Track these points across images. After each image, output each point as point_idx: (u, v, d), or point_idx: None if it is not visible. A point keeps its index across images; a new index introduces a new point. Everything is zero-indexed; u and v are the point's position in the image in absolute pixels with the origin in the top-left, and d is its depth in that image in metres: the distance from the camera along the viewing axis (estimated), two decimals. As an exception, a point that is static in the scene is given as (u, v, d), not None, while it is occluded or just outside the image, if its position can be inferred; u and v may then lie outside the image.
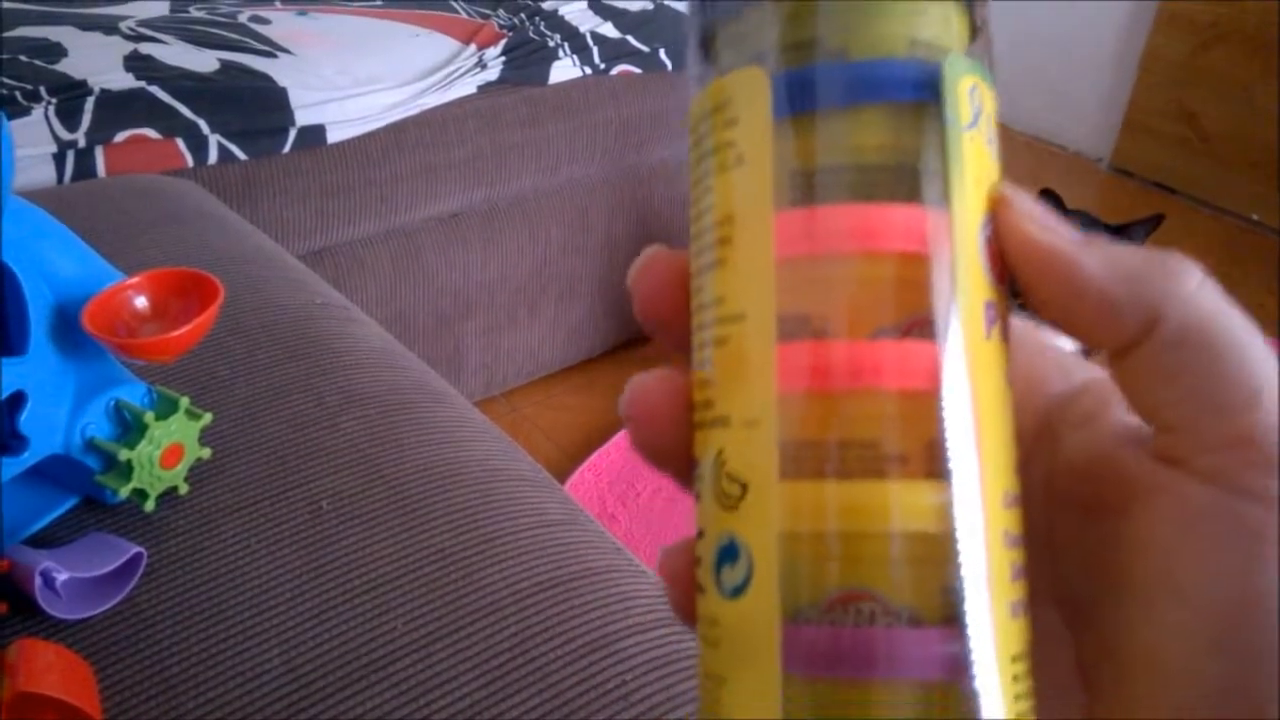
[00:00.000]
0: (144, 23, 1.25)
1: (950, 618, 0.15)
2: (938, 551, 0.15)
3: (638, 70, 1.42)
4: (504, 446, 0.58)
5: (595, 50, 1.38)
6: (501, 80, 1.30)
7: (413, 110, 1.22)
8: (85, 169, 1.01)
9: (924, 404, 0.15)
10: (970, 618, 0.15)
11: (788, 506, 0.15)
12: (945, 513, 0.15)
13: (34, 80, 1.03)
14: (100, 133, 1.02)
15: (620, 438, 1.41)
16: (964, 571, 0.15)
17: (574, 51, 1.37)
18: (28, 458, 0.43)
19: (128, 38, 1.18)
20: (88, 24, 1.21)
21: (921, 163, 0.15)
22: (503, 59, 1.31)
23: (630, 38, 1.42)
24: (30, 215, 0.46)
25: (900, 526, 0.15)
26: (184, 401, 0.48)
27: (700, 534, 0.17)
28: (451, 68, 1.28)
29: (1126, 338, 0.16)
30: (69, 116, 1.02)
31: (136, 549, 0.45)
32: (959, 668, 0.15)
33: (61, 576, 0.43)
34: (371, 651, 0.43)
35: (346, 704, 0.41)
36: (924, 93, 0.16)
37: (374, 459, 0.53)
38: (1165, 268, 0.16)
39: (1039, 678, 0.17)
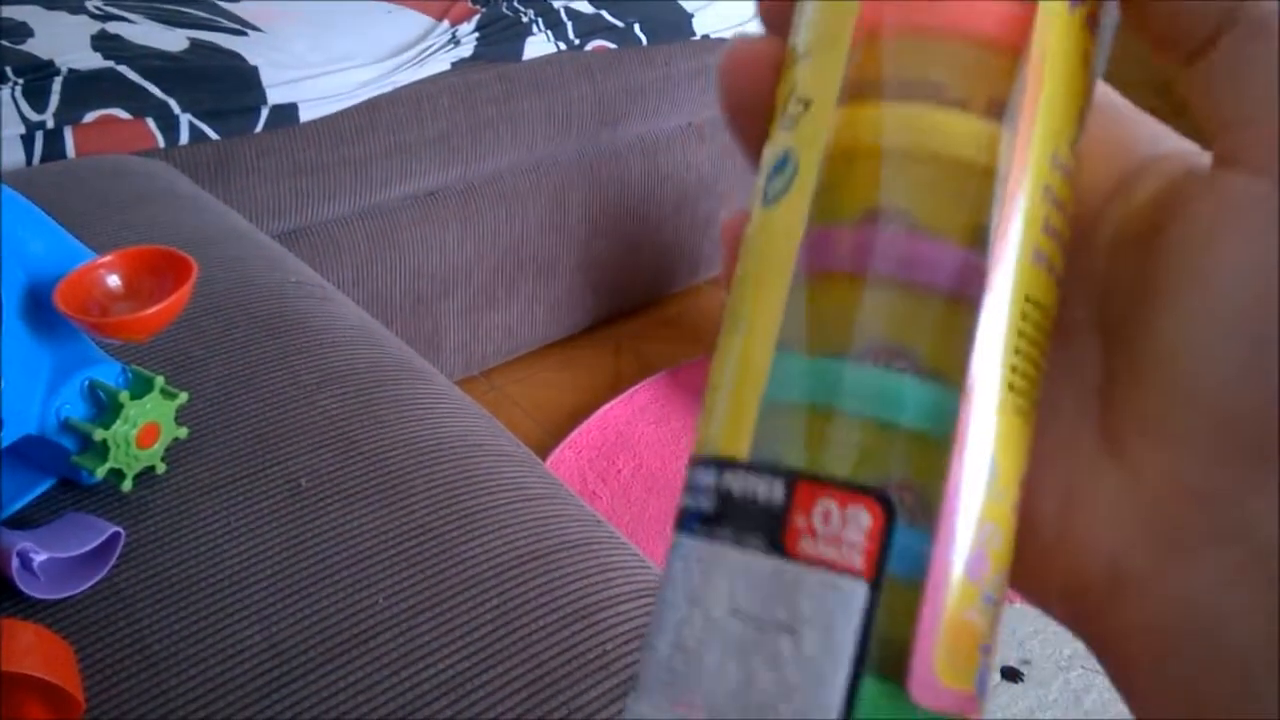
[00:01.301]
0: (111, 1, 1.23)
1: (973, 240, 0.15)
2: (973, 180, 0.15)
3: (613, 45, 1.41)
4: (484, 423, 0.58)
5: (569, 25, 1.37)
6: (475, 57, 1.29)
7: (386, 88, 1.21)
8: (54, 150, 0.99)
9: (993, 52, 0.15)
10: (991, 241, 0.15)
11: (842, 120, 0.16)
12: (988, 145, 0.15)
13: (-1, 60, 1.02)
14: (69, 113, 1.01)
15: (601, 415, 1.42)
16: (994, 202, 0.15)
17: (548, 27, 1.36)
18: (2, 439, 0.43)
19: (95, 17, 1.16)
20: (54, 3, 1.20)
21: None
22: (476, 35, 1.30)
23: (604, 12, 1.42)
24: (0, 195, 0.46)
25: (939, 149, 0.15)
26: (159, 381, 0.47)
27: (761, 171, 0.18)
28: (424, 44, 1.26)
29: (1202, 33, 0.15)
30: (36, 97, 1.00)
31: (114, 529, 0.44)
32: (969, 282, 0.15)
33: (39, 557, 0.43)
34: (353, 626, 0.43)
35: (329, 678, 0.41)
36: None
37: (352, 436, 0.53)
38: None
39: (1063, 395, 0.17)
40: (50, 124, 0.99)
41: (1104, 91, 0.19)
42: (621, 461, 1.35)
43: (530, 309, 1.48)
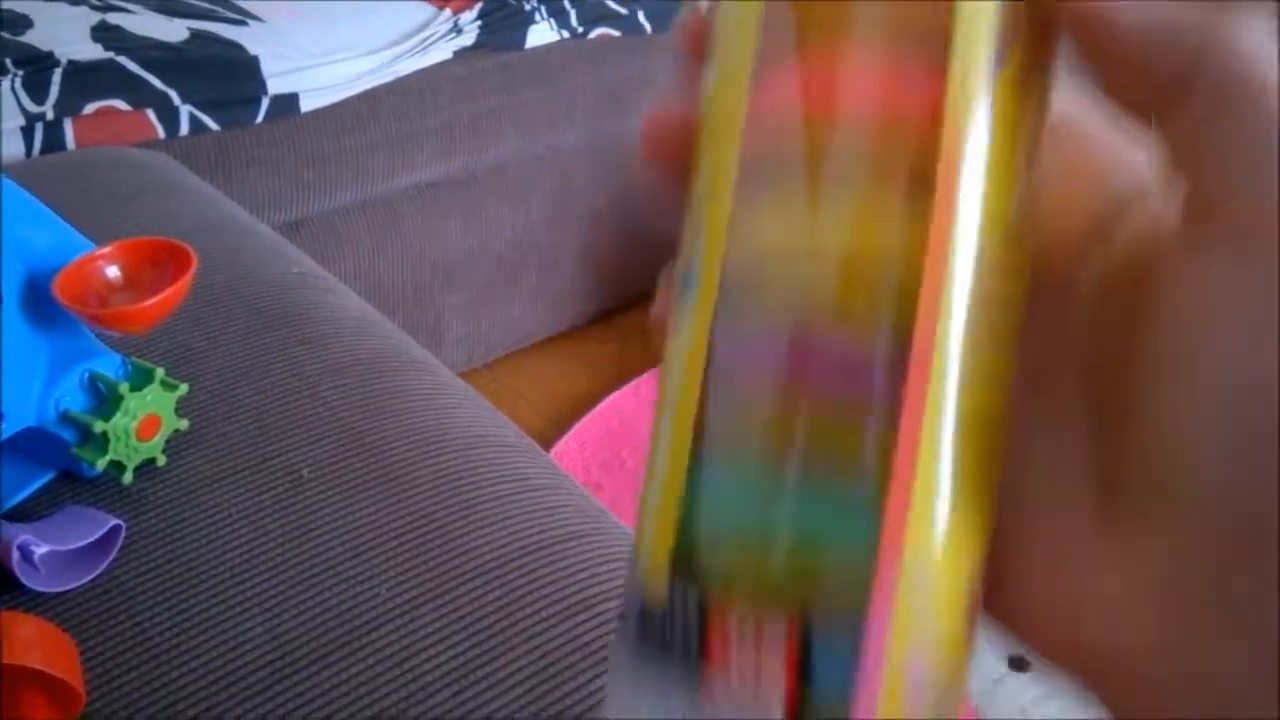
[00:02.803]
0: (111, -8, 1.23)
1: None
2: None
3: (616, 33, 1.40)
4: (486, 413, 0.58)
5: (573, 13, 1.37)
6: (477, 45, 1.28)
7: (387, 78, 1.20)
8: (54, 142, 0.99)
9: (912, 130, 0.15)
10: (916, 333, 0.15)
11: (743, 221, 0.16)
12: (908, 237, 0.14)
13: (-1, 52, 1.01)
14: (69, 105, 1.00)
15: (605, 406, 1.41)
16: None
17: (551, 15, 1.35)
18: (2, 431, 0.43)
19: (95, 7, 1.16)
20: (53, -6, 1.19)
21: None
22: (478, 23, 1.29)
23: (608, 0, 1.41)
24: (-4, 185, 0.45)
25: (862, 246, 0.15)
26: (159, 372, 0.47)
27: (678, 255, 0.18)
28: (426, 33, 1.26)
29: (1163, 92, 0.14)
30: (36, 89, 1.00)
31: (115, 521, 0.44)
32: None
33: (40, 550, 0.42)
34: (356, 617, 0.43)
35: (331, 670, 0.41)
36: None
37: (354, 427, 0.53)
38: (1215, 11, 0.14)
39: (1056, 480, 0.16)
40: (50, 116, 0.99)
41: (1071, 112, 0.17)
42: (626, 453, 1.35)
43: (534, 300, 1.48)
